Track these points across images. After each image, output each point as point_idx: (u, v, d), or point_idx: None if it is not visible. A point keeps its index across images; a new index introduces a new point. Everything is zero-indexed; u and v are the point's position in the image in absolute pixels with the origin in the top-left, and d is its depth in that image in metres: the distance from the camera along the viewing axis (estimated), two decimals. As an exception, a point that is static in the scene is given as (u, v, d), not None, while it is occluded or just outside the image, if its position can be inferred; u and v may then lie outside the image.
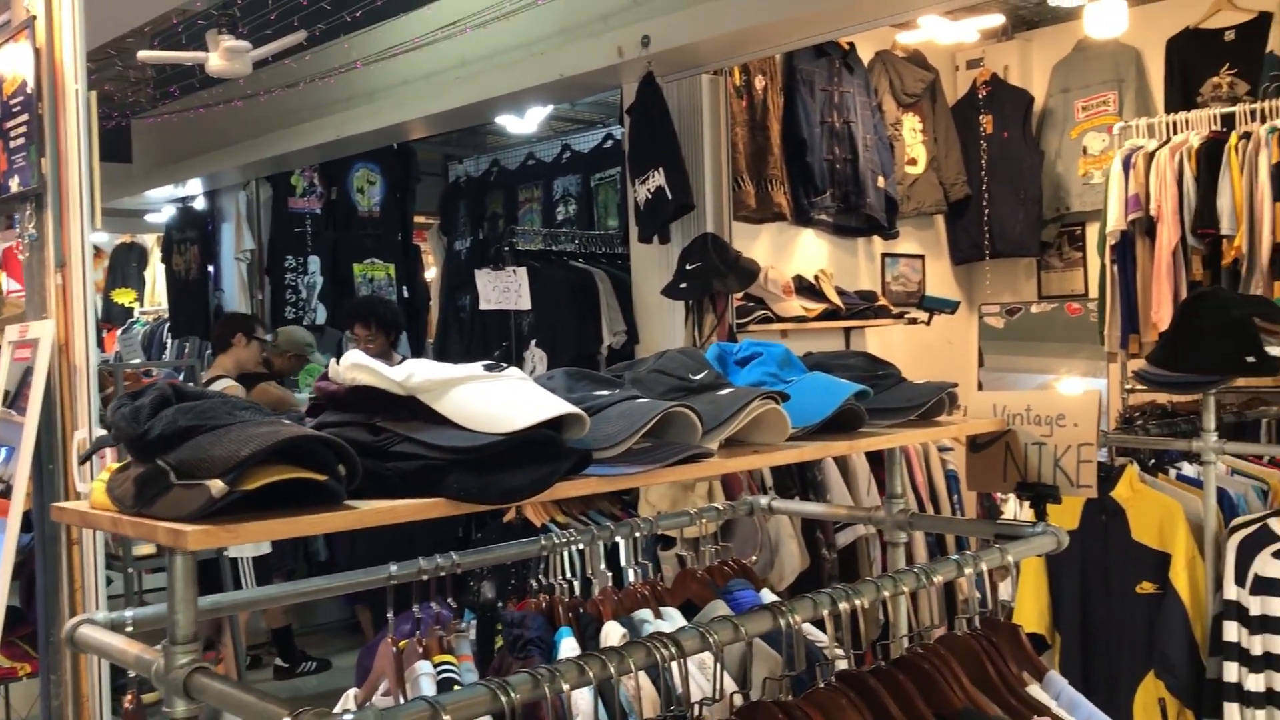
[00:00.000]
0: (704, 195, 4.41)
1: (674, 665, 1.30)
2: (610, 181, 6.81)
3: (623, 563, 2.07)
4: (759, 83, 5.05)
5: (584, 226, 6.56)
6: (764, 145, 5.05)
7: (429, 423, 1.31)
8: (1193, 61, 5.39)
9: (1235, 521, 2.93)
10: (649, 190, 4.18)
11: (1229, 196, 4.64)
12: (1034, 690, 1.59)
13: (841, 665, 1.54)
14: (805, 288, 5.13)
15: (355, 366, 1.37)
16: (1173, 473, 3.31)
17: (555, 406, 1.29)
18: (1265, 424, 4.23)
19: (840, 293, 5.23)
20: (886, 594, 1.48)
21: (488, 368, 1.36)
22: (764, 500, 2.31)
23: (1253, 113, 4.72)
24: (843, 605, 1.42)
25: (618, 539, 2.02)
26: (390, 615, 1.84)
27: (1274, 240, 4.52)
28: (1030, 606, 3.28)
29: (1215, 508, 2.97)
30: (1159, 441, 3.25)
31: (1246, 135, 4.65)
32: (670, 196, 4.13)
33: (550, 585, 1.99)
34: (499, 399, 1.30)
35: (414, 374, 1.33)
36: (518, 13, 4.68)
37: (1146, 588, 3.06)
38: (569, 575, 2.12)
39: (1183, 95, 5.35)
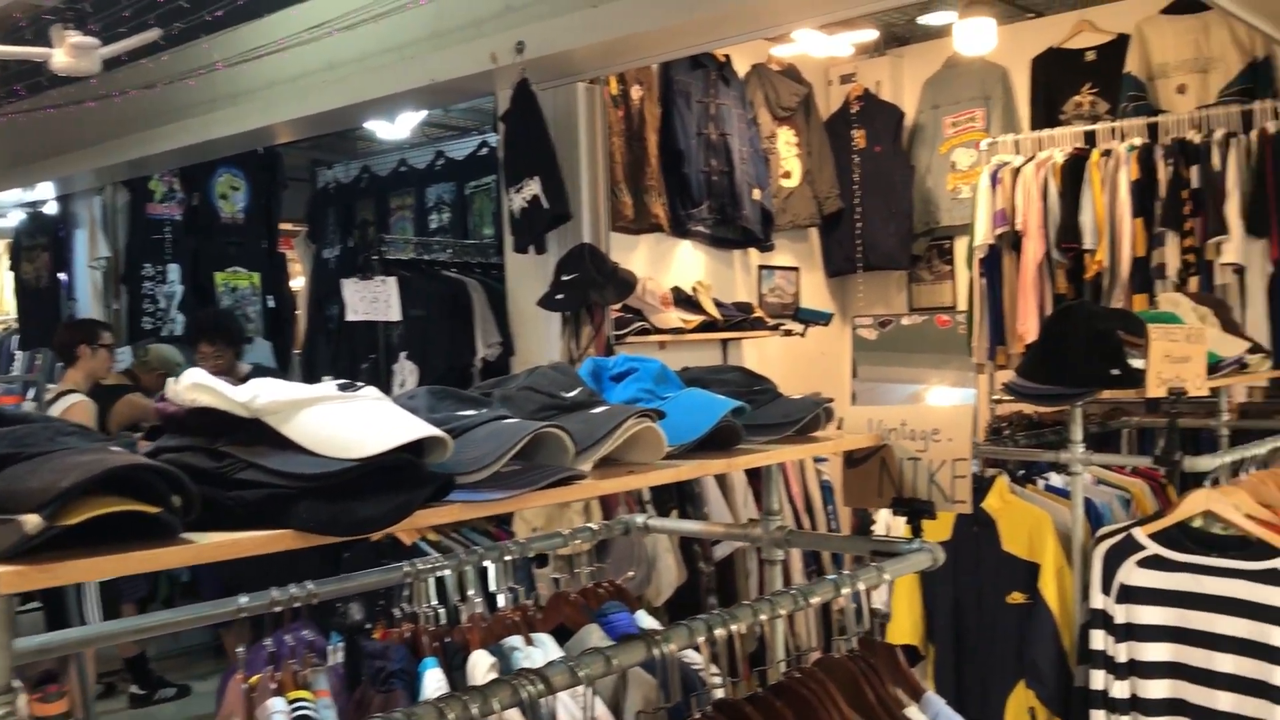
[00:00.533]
0: (580, 205, 4.34)
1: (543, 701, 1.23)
2: (485, 190, 6.70)
3: (492, 587, 1.99)
4: (636, 93, 5.02)
5: (458, 235, 6.42)
6: (641, 156, 5.02)
7: (276, 447, 1.21)
8: (1056, 80, 5.54)
9: (1101, 531, 2.98)
10: (524, 199, 4.10)
11: (1091, 212, 4.79)
12: (912, 712, 1.56)
13: (719, 691, 1.49)
14: (683, 299, 5.11)
15: (195, 386, 1.26)
16: (1041, 483, 3.36)
17: (414, 429, 1.20)
18: (1126, 434, 4.35)
19: (718, 304, 5.23)
20: (764, 617, 1.43)
21: (341, 387, 1.27)
22: (640, 519, 2.25)
23: (1113, 131, 4.88)
24: (719, 631, 1.36)
25: (487, 563, 1.93)
26: (240, 650, 1.72)
27: (1133, 254, 4.67)
28: (904, 618, 3.29)
29: (1082, 518, 3.02)
30: (1027, 453, 3.29)
31: (1107, 153, 4.80)
32: (546, 206, 4.06)
33: (414, 614, 1.90)
34: (353, 421, 1.21)
35: (259, 394, 1.23)
36: (388, 16, 4.55)
37: (1017, 598, 3.09)
38: (436, 601, 2.03)
39: (1047, 113, 5.50)
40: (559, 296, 4.11)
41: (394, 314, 4.50)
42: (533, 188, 4.04)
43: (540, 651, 1.82)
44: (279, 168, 7.39)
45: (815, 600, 1.53)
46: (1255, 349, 3.64)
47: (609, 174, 4.56)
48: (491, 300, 4.68)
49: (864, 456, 2.00)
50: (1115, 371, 2.91)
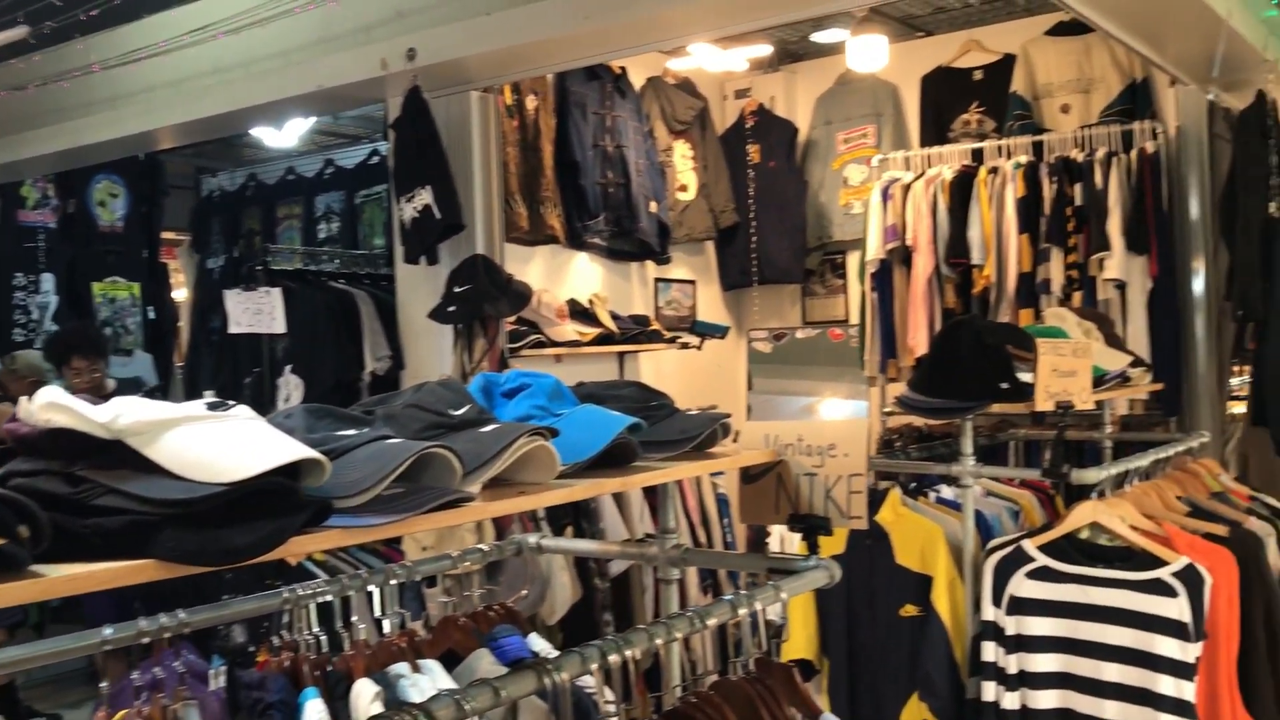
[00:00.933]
0: (474, 215, 4.26)
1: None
2: (376, 199, 6.57)
3: (377, 612, 1.91)
4: (531, 103, 4.96)
5: (348, 246, 6.28)
6: (536, 166, 4.96)
7: (139, 471, 1.13)
8: (945, 98, 5.65)
9: (992, 544, 3.01)
10: (416, 209, 4.01)
11: (979, 228, 4.88)
12: (807, 735, 1.53)
13: None
14: (579, 312, 5.06)
15: (50, 406, 1.17)
16: (933, 496, 3.39)
17: (288, 450, 1.13)
18: (1013, 446, 4.44)
19: (614, 317, 5.19)
20: (659, 641, 1.39)
21: (211, 406, 1.19)
22: (533, 539, 2.19)
23: (999, 148, 4.99)
24: (613, 658, 1.32)
25: (370, 588, 1.85)
26: (104, 685, 1.62)
27: (1020, 270, 4.77)
28: (799, 632, 3.29)
29: (973, 530, 3.05)
30: (919, 466, 3.32)
31: (994, 170, 4.90)
32: (439, 216, 3.97)
33: (295, 641, 1.81)
34: (222, 443, 1.14)
35: (121, 414, 1.15)
36: (275, 19, 4.42)
37: (910, 610, 3.11)
38: (318, 626, 1.94)
39: (936, 130, 5.60)
40: (451, 309, 4.02)
41: (278, 326, 4.35)
42: (424, 197, 3.95)
43: (428, 679, 1.74)
44: (160, 175, 7.13)
45: (712, 622, 1.49)
46: (1137, 362, 3.74)
47: (504, 184, 4.50)
48: (381, 312, 4.57)
49: (760, 472, 1.97)
50: (1005, 385, 2.95)
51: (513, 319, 4.82)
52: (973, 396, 2.96)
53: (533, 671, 1.24)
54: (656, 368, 5.72)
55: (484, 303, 3.98)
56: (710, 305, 6.23)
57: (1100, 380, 3.39)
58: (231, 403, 1.21)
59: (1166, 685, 2.69)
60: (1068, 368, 2.92)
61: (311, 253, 4.90)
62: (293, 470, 1.14)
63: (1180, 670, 2.69)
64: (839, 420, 1.77)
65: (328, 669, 1.73)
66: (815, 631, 3.29)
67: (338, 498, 1.21)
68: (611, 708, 1.35)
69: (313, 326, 4.47)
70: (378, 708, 1.58)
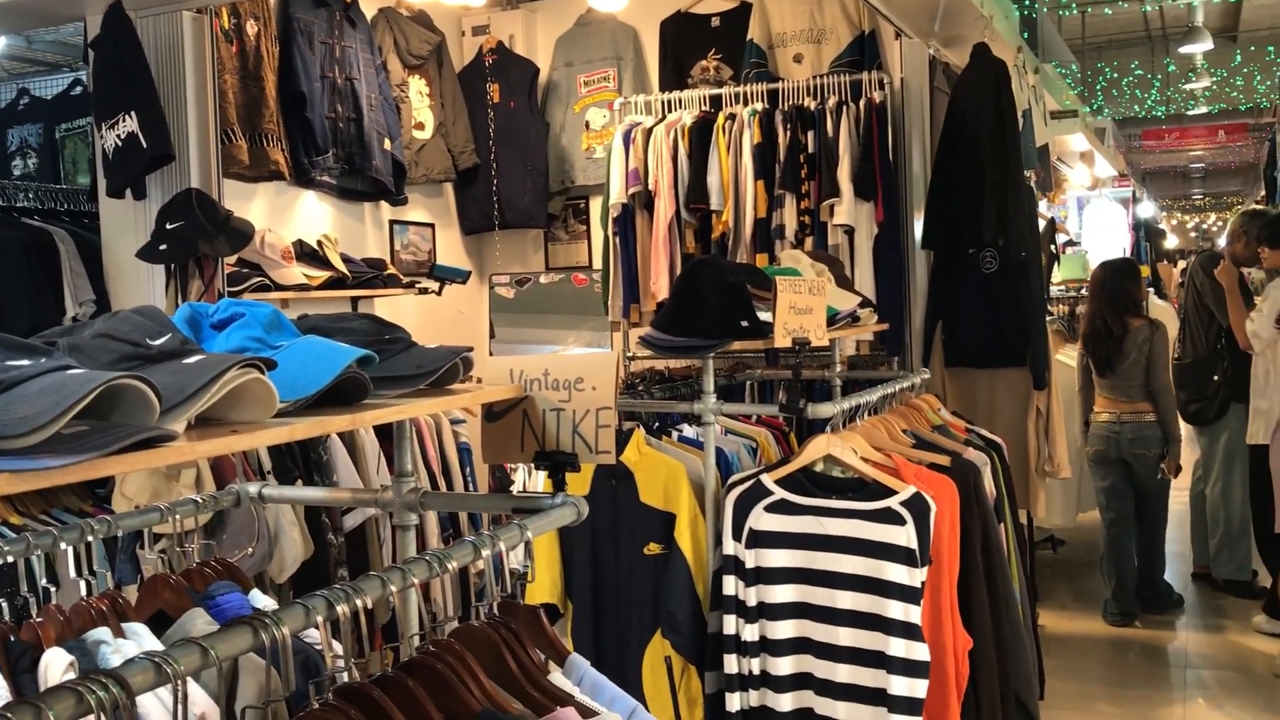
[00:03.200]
0: (188, 147, 3.91)
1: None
2: (80, 133, 5.96)
3: (71, 574, 1.69)
4: (251, 28, 4.61)
5: (49, 183, 5.69)
6: (258, 97, 4.62)
7: None
8: (684, 44, 5.66)
9: (732, 479, 3.04)
10: (119, 136, 3.64)
11: (717, 174, 4.92)
12: (556, 677, 1.46)
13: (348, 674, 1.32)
14: (307, 254, 4.78)
15: None
16: (675, 435, 3.40)
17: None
18: (749, 386, 4.54)
19: (346, 260, 4.93)
20: (394, 589, 1.27)
21: None
22: (253, 489, 2.01)
23: (737, 95, 5.04)
24: (341, 608, 1.19)
25: (63, 545, 1.64)
26: None
27: (756, 215, 4.85)
28: (544, 576, 3.23)
29: (714, 467, 3.07)
30: (662, 405, 3.32)
31: (732, 117, 4.95)
32: (145, 145, 3.62)
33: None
34: None
35: None
36: (-53, -83, 3.89)
37: (654, 549, 3.11)
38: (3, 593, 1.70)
39: (675, 75, 5.60)
40: (162, 247, 3.69)
41: (-39, 267, 3.88)
42: (129, 124, 3.59)
43: (133, 644, 1.56)
44: None
45: (453, 565, 1.39)
46: (865, 303, 3.87)
47: (221, 115, 4.15)
48: (83, 252, 4.14)
49: (505, 409, 1.87)
50: (745, 323, 2.97)
51: (233, 260, 4.49)
52: (715, 335, 2.97)
53: (248, 627, 1.10)
54: (394, 314, 5.46)
55: (199, 240, 3.67)
56: (450, 250, 6.04)
57: (832, 319, 3.48)
58: None
59: (895, 610, 2.80)
60: (804, 305, 2.96)
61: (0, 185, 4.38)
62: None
63: (908, 595, 2.81)
64: (587, 353, 1.69)
65: (10, 640, 1.52)
66: (559, 574, 3.25)
67: (6, 436, 1.03)
68: (341, 662, 1.23)
69: (3, 268, 4.00)
70: (71, 679, 1.39)
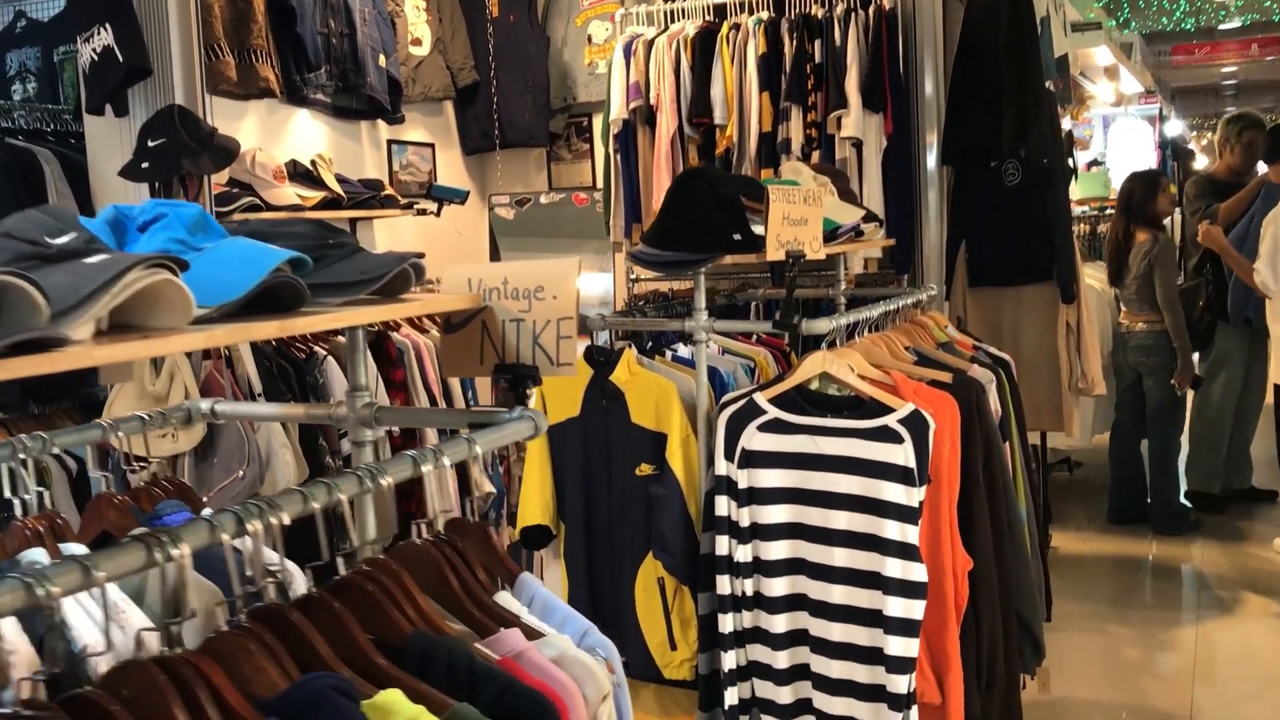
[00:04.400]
0: (171, 63, 3.79)
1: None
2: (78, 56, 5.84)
3: (7, 493, 1.63)
4: (237, -61, 4.46)
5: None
6: (246, 11, 4.48)
7: None
8: (685, -49, 5.44)
9: (725, 398, 2.95)
10: (94, 50, 3.52)
11: (721, 86, 4.76)
12: (503, 597, 1.38)
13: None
14: (301, 174, 4.67)
15: None
16: (670, 355, 3.31)
17: None
18: (754, 306, 4.42)
19: (342, 180, 4.82)
20: (316, 505, 1.19)
21: None
22: (205, 405, 1.93)
23: (741, 4, 4.86)
24: (253, 524, 1.11)
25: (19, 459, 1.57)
26: None
27: (761, 129, 4.70)
28: (534, 498, 3.17)
29: (707, 385, 2.98)
30: (654, 323, 3.22)
31: (736, 26, 4.77)
32: (121, 59, 3.50)
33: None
34: None
35: None
36: None
37: (645, 469, 3.03)
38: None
39: (678, -16, 5.40)
40: (145, 165, 3.58)
41: (-58, 188, 3.80)
42: (104, 37, 3.47)
43: (68, 566, 1.49)
44: None
45: (386, 481, 1.30)
46: (869, 217, 3.74)
47: (206, 30, 4.03)
48: (69, 172, 4.05)
49: (463, 321, 1.78)
50: (737, 236, 2.86)
51: (224, 180, 4.40)
52: (705, 248, 2.85)
53: (140, 545, 1.02)
54: (394, 236, 5.40)
55: (182, 158, 3.56)
56: (451, 170, 5.91)
57: (833, 234, 3.36)
58: None
59: (892, 530, 2.72)
60: (799, 215, 2.84)
61: (-19, 105, 4.27)
62: None
63: (905, 514, 2.72)
64: (547, 261, 1.59)
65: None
66: (551, 496, 3.18)
67: None
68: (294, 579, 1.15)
69: (-15, 188, 3.91)
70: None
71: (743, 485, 2.86)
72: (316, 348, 4.18)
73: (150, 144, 3.61)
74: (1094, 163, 11.00)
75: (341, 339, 3.86)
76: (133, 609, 1.45)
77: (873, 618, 2.76)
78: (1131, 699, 4.10)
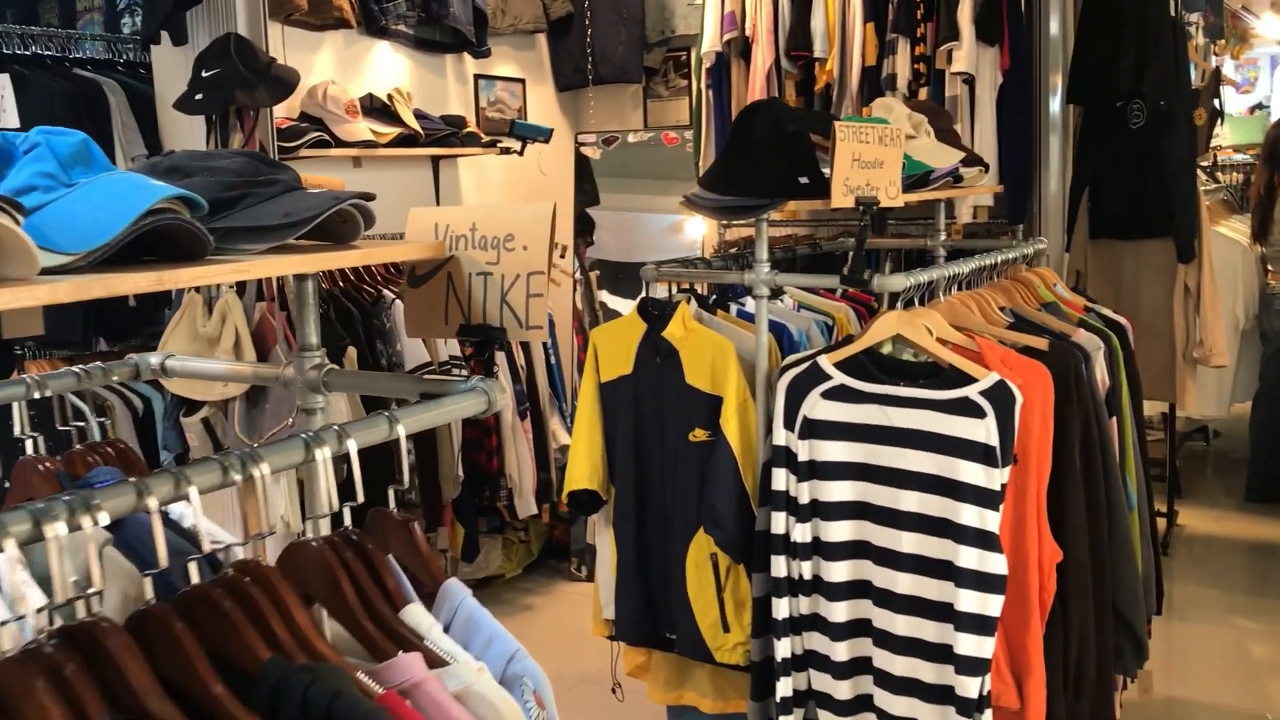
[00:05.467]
0: (233, -11, 3.64)
1: None
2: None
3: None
4: None
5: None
6: (318, -64, 4.29)
7: None
8: None
9: (786, 361, 2.65)
10: (145, -25, 3.38)
11: (822, 16, 4.40)
12: (412, 611, 1.14)
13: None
14: (377, 109, 4.48)
15: None
16: (734, 309, 3.02)
17: None
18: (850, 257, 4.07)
19: (421, 116, 4.62)
20: (191, 489, 0.97)
21: None
22: (155, 359, 1.73)
23: (846, -75, 4.46)
24: (150, 501, 0.89)
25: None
26: None
27: (864, 63, 4.32)
28: (582, 461, 2.93)
29: (767, 345, 2.68)
30: (711, 274, 2.93)
31: (840, -50, 4.38)
32: (171, -16, 3.36)
33: None
34: None
35: None
36: None
37: (700, 435, 2.76)
38: None
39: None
40: (199, 96, 3.45)
41: (8, 119, 3.74)
42: (153, -40, 3.32)
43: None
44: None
45: (261, 470, 1.07)
46: (971, 161, 3.36)
47: (273, -45, 3.86)
48: (135, 104, 3.95)
49: (429, 273, 1.54)
50: (804, 179, 2.54)
51: (297, 116, 4.25)
52: (766, 193, 2.54)
53: (26, 514, 0.81)
54: (479, 175, 5.20)
55: (236, 89, 3.40)
56: (543, 107, 5.66)
57: (924, 178, 3.01)
58: None
59: (969, 515, 2.40)
60: (872, 157, 2.51)
61: (47, 34, 4.19)
62: None
63: (985, 498, 2.39)
64: (519, 205, 1.35)
65: None
66: (601, 459, 2.94)
67: None
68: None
69: (50, 120, 3.83)
70: None
71: (803, 458, 2.56)
72: (385, 290, 4.02)
73: (204, 74, 3.47)
74: (1258, 105, 10.15)
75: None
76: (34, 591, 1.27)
77: (942, 611, 2.45)
78: (1255, 703, 3.69)
